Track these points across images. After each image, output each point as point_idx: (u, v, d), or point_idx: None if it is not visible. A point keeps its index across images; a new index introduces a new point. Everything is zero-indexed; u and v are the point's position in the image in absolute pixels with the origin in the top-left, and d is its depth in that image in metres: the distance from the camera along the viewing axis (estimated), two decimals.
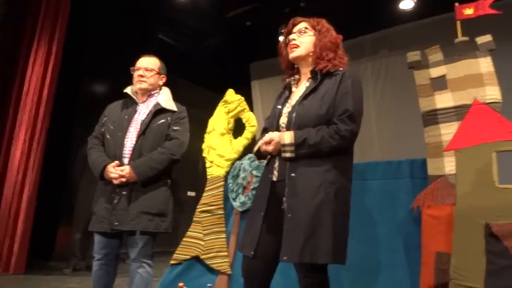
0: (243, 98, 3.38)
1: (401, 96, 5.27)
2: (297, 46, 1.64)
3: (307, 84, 1.64)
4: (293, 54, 1.65)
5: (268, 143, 1.55)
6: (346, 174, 1.56)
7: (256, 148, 1.61)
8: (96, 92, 5.38)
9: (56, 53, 4.16)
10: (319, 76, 1.59)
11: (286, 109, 1.63)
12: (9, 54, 4.39)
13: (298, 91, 1.66)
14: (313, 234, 1.41)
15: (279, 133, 1.55)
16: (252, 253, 1.51)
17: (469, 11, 2.35)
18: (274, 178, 1.57)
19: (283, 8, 5.86)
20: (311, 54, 1.64)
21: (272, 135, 1.56)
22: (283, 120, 1.61)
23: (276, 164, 1.57)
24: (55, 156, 4.49)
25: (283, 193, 1.51)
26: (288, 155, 1.48)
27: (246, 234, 1.61)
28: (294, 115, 1.55)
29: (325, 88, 1.56)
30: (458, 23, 2.36)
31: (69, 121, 4.90)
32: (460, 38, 2.30)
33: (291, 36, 1.66)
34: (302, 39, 1.65)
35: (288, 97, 1.69)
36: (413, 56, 2.41)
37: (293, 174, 1.49)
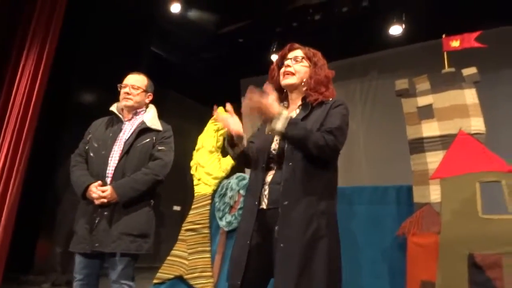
0: None
1: (389, 119, 5.34)
2: (291, 74, 1.66)
3: (298, 111, 1.66)
4: (287, 81, 1.67)
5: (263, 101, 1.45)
6: (334, 201, 1.58)
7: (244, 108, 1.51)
8: (85, 103, 5.33)
9: (46, 61, 4.10)
10: (310, 105, 1.61)
11: (277, 136, 1.64)
12: None
13: None
14: (308, 264, 1.41)
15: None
16: (238, 283, 1.50)
17: (455, 43, 2.43)
18: (264, 206, 1.56)
19: (275, 27, 5.95)
20: (303, 83, 1.66)
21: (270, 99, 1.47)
22: (274, 146, 1.61)
23: (267, 192, 1.57)
24: (38, 168, 4.40)
25: (273, 221, 1.50)
26: (279, 126, 1.44)
27: (232, 263, 1.59)
28: (286, 143, 1.55)
29: (315, 116, 1.58)
30: (445, 54, 2.43)
31: (55, 132, 4.82)
32: (447, 69, 2.37)
33: (287, 62, 1.67)
34: (297, 67, 1.66)
35: None
36: (401, 84, 2.46)
37: (286, 202, 1.48)
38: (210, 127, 3.37)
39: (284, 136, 1.48)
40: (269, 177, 1.58)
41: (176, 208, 6.55)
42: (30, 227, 4.41)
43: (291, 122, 1.46)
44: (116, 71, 5.00)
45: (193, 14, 5.84)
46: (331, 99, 1.63)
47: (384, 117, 5.50)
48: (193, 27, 6.00)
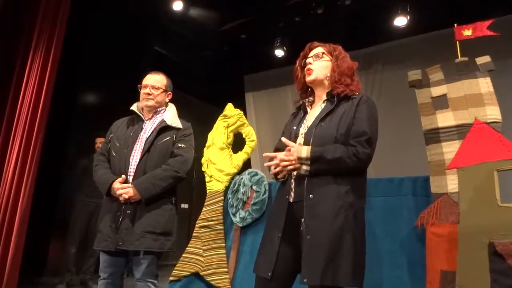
0: (242, 112, 3.39)
1: (394, 111, 5.34)
2: (314, 70, 1.67)
3: (323, 106, 1.66)
4: (311, 77, 1.68)
5: (282, 160, 1.52)
6: (362, 195, 1.58)
7: (272, 172, 1.59)
8: (91, 103, 5.34)
9: (52, 64, 4.09)
10: (336, 99, 1.61)
11: (302, 130, 1.65)
12: (3, 62, 4.33)
13: (313, 113, 1.69)
14: (335, 256, 1.42)
15: (296, 148, 1.54)
16: (269, 274, 1.50)
17: (467, 32, 2.42)
18: (291, 199, 1.57)
19: (278, 22, 5.93)
20: (327, 78, 1.67)
21: (288, 149, 1.53)
22: (300, 141, 1.61)
23: (293, 185, 1.57)
24: (49, 170, 4.41)
25: (300, 214, 1.51)
26: (304, 168, 1.47)
27: (262, 255, 1.59)
28: (312, 136, 1.56)
29: (342, 110, 1.58)
30: (458, 43, 2.42)
31: (64, 133, 4.83)
32: (460, 58, 2.36)
33: (308, 60, 1.69)
34: (319, 63, 1.68)
35: (303, 118, 1.70)
36: (414, 75, 2.45)
37: (311, 196, 1.49)
38: (219, 123, 3.36)
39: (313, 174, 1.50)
40: (295, 171, 1.59)
41: (184, 206, 6.57)
42: (43, 229, 4.44)
43: (314, 159, 1.47)
44: (120, 71, 5.03)
45: (195, 11, 5.83)
46: (357, 93, 1.64)
47: (388, 110, 5.48)
48: (196, 25, 5.99)
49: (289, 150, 1.52)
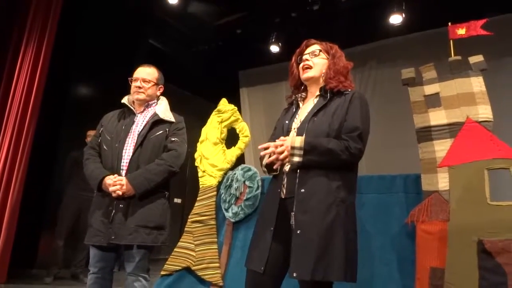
0: (236, 108, 3.38)
1: (387, 108, 5.37)
2: (310, 67, 1.68)
3: (316, 100, 1.67)
4: (307, 74, 1.69)
5: (277, 147, 1.52)
6: (354, 191, 1.58)
7: (264, 162, 1.59)
8: (84, 96, 5.29)
9: (44, 55, 4.06)
10: (328, 94, 1.62)
11: (295, 124, 1.65)
12: None
13: (306, 108, 1.69)
14: (326, 252, 1.41)
15: (290, 137, 1.54)
16: (262, 268, 1.51)
17: (461, 31, 2.42)
18: (282, 195, 1.57)
19: (274, 17, 5.91)
20: (323, 75, 1.68)
21: (282, 139, 1.54)
22: (292, 135, 1.62)
23: (285, 181, 1.57)
24: (40, 163, 4.37)
25: (292, 209, 1.51)
26: (296, 159, 1.47)
27: (254, 249, 1.59)
28: (304, 131, 1.56)
29: (335, 105, 1.59)
30: (451, 42, 2.43)
31: (55, 126, 4.78)
32: (453, 57, 2.37)
33: (305, 57, 1.70)
34: (316, 60, 1.69)
35: (295, 113, 1.71)
36: (408, 73, 2.46)
37: (302, 190, 1.49)
38: (213, 118, 3.35)
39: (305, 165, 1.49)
40: (287, 167, 1.59)
41: (177, 200, 6.56)
42: (33, 222, 4.41)
43: (307, 150, 1.47)
44: (114, 64, 4.98)
45: (190, 5, 5.79)
46: (349, 89, 1.64)
47: (382, 107, 5.51)
48: (191, 19, 5.95)
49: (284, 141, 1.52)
